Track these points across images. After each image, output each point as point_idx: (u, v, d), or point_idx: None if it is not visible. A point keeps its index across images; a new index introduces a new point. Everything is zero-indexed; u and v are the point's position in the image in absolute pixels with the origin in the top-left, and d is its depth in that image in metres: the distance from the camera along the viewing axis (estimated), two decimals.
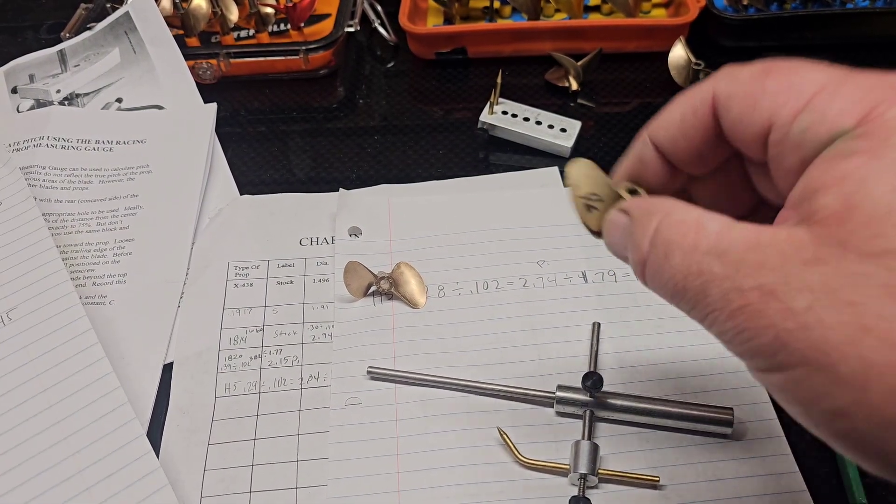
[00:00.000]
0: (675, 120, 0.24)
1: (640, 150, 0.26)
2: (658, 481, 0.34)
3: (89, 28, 0.59)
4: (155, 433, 0.37)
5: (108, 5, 0.61)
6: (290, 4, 0.59)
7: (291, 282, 0.43)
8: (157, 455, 0.35)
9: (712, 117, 0.23)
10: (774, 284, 0.18)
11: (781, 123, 0.21)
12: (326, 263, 0.44)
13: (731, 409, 0.35)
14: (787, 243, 0.18)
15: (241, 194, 0.50)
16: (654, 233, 0.21)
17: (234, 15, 0.59)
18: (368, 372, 0.38)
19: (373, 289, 0.42)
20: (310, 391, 0.39)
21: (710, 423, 0.35)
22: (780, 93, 0.21)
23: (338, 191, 0.47)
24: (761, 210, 0.26)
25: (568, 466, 0.34)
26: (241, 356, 0.40)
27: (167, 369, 0.40)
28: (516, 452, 0.35)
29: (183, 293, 0.43)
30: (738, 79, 0.22)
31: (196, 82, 0.57)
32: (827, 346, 0.17)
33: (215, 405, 0.38)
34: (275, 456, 0.36)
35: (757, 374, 0.20)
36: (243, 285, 0.43)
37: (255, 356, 0.40)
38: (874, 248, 0.17)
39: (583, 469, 0.33)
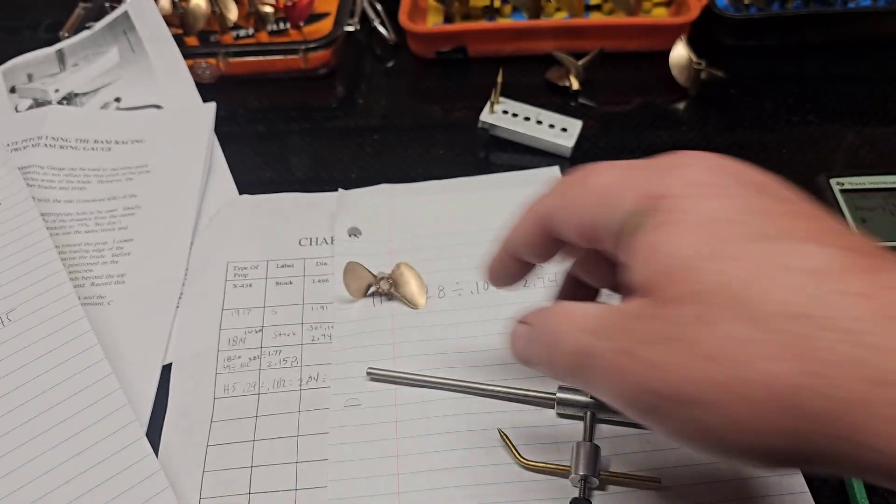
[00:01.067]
0: (523, 234, 0.30)
1: (501, 257, 0.32)
2: (660, 483, 0.33)
3: (88, 27, 0.59)
4: (154, 434, 0.37)
5: (107, 4, 0.61)
6: (290, 3, 0.59)
7: (291, 282, 0.43)
8: (156, 456, 0.35)
9: (544, 229, 0.28)
10: (633, 346, 0.22)
11: (593, 222, 0.25)
12: (326, 264, 0.44)
13: None
14: (629, 313, 0.23)
15: (241, 194, 0.49)
16: (551, 331, 0.26)
17: (233, 14, 0.59)
18: (368, 373, 0.38)
19: (372, 289, 0.42)
20: (309, 392, 0.38)
21: None
22: (587, 199, 0.26)
23: (337, 191, 0.48)
24: None
25: (569, 468, 0.34)
26: (240, 357, 0.40)
27: (166, 370, 0.40)
28: (517, 454, 0.35)
29: (182, 293, 0.43)
30: (559, 193, 0.28)
31: (195, 82, 0.57)
32: (678, 382, 0.21)
33: (214, 406, 0.38)
34: (274, 457, 0.36)
35: (643, 421, 0.23)
36: (242, 286, 0.43)
37: (255, 357, 0.40)
38: (675, 296, 0.21)
39: (584, 470, 0.33)
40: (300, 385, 0.39)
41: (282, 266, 0.44)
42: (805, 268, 0.20)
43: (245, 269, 0.44)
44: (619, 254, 0.24)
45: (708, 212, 0.22)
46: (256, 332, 0.41)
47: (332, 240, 0.45)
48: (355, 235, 0.45)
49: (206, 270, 0.44)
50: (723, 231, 0.21)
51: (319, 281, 0.43)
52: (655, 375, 0.21)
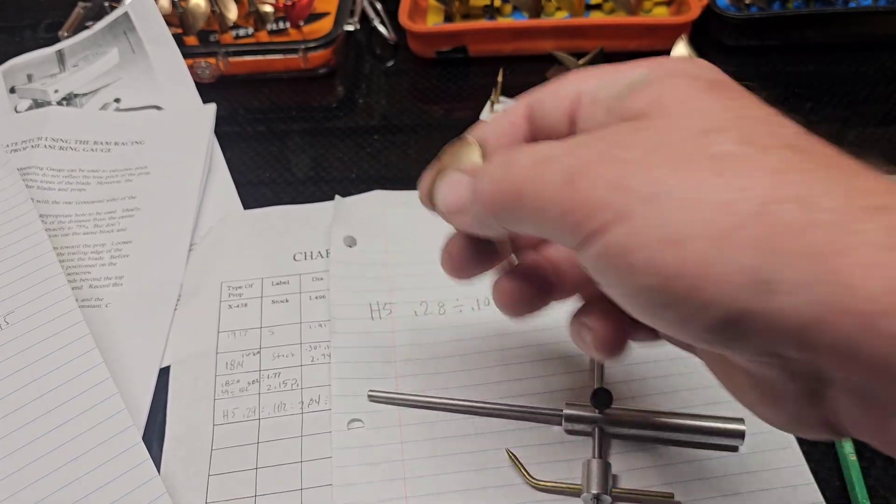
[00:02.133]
0: (502, 126, 0.27)
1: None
2: (672, 497, 0.32)
3: (87, 27, 0.58)
4: (150, 439, 0.35)
5: (107, 4, 0.60)
6: (290, 3, 0.57)
7: (287, 300, 0.41)
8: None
9: (527, 120, 0.27)
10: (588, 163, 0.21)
11: (587, 90, 0.24)
12: (322, 279, 0.42)
13: (742, 419, 0.33)
14: (597, 136, 0.22)
15: (240, 194, 0.47)
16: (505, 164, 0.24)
17: (232, 13, 0.58)
18: (369, 396, 0.36)
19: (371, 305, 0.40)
20: (311, 415, 0.36)
21: (721, 435, 0.33)
22: (579, 77, 0.25)
23: (335, 194, 0.45)
24: None
25: (581, 486, 0.32)
26: (238, 381, 0.37)
27: (163, 374, 0.38)
28: (526, 474, 0.33)
29: (179, 297, 0.41)
30: (543, 87, 0.26)
31: (195, 81, 0.56)
32: (628, 204, 0.19)
33: (214, 434, 0.36)
34: (278, 485, 0.33)
35: (583, 258, 0.21)
36: (237, 306, 0.41)
37: (253, 381, 0.37)
38: (694, 128, 0.20)
39: (595, 489, 0.31)
40: (301, 408, 0.36)
41: (277, 283, 0.42)
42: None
43: (240, 287, 0.42)
44: (614, 113, 0.23)
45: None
46: (254, 354, 0.39)
47: (328, 253, 0.43)
48: (350, 245, 0.42)
49: (199, 292, 0.41)
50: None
51: (317, 297, 0.41)
52: (609, 195, 0.20)
